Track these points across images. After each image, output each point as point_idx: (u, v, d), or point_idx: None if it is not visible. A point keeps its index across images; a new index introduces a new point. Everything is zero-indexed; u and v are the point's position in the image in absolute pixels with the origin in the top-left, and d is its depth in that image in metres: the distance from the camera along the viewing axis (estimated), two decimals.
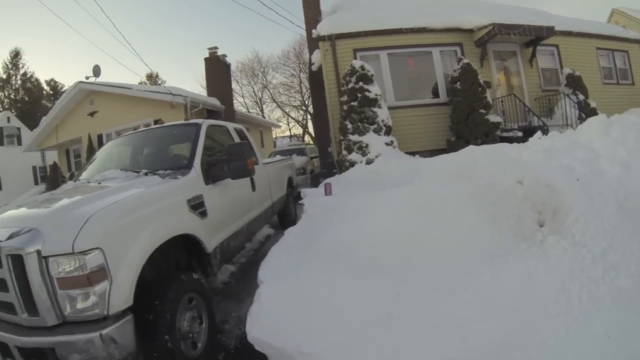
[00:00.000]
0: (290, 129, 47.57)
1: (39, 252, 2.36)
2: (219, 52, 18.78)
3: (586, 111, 10.98)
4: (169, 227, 3.17)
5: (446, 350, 2.41)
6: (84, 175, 4.84)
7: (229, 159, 4.17)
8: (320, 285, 3.22)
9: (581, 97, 11.52)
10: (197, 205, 3.73)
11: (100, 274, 2.40)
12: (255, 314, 3.07)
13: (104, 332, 2.35)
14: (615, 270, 2.90)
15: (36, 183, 29.86)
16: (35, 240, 2.40)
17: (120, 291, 2.49)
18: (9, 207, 3.45)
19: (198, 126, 4.79)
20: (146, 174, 4.07)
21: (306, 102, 38.61)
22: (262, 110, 44.22)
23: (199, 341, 3.25)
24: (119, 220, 2.69)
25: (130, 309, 2.58)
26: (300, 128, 44.93)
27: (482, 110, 9.97)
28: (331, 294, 3.07)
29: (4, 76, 46.51)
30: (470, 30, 11.81)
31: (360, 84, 9.91)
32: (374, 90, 9.95)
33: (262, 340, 2.81)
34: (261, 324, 2.94)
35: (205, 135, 4.65)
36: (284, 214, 8.01)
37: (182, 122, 5.41)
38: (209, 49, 18.69)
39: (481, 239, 3.51)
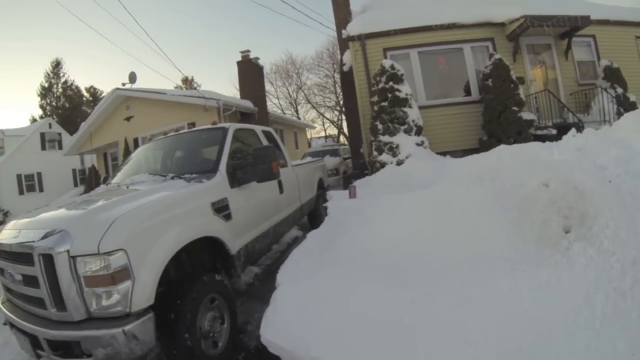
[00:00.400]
0: (325, 130, 47.65)
1: (67, 252, 2.52)
2: (252, 55, 18.90)
3: (625, 105, 10.43)
4: (192, 229, 3.27)
5: None
6: (116, 179, 5.01)
7: (254, 163, 4.22)
8: (336, 289, 3.20)
9: (620, 90, 10.93)
10: (222, 209, 3.80)
11: (124, 273, 2.54)
12: (270, 316, 3.12)
13: (126, 328, 2.49)
14: None
15: (75, 185, 31.33)
16: (64, 241, 2.55)
17: (143, 290, 2.61)
18: (49, 207, 3.66)
19: (225, 130, 4.84)
20: (172, 178, 4.16)
21: (340, 102, 38.41)
22: (296, 111, 44.33)
23: (220, 340, 3.33)
24: (142, 223, 2.81)
25: (152, 307, 2.69)
26: (335, 128, 44.84)
27: (515, 108, 9.62)
28: (345, 299, 3.05)
29: (46, 85, 49.01)
30: (502, 24, 11.42)
31: (391, 83, 9.75)
32: (404, 89, 9.79)
33: (275, 343, 2.84)
34: (275, 326, 2.97)
35: (231, 139, 4.71)
36: (314, 216, 7.97)
37: (210, 126, 5.47)
38: (242, 52, 18.84)
39: (502, 245, 3.39)
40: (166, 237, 2.92)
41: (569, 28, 11.23)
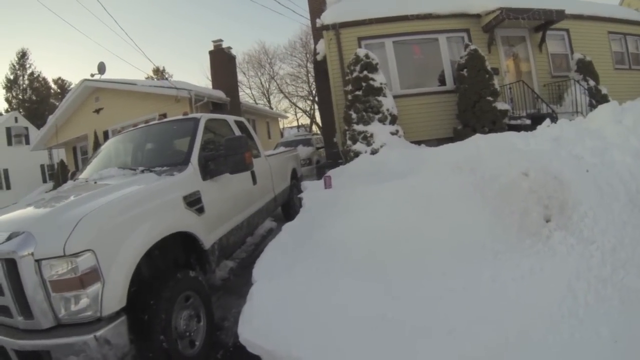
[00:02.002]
0: (297, 119, 47.44)
1: (32, 255, 2.35)
2: (225, 45, 18.59)
3: (597, 98, 10.65)
4: (164, 225, 3.11)
5: (443, 355, 2.29)
6: (84, 174, 4.79)
7: (226, 154, 4.08)
8: (314, 284, 3.12)
9: (592, 83, 11.14)
10: (194, 202, 3.65)
11: (93, 275, 2.38)
12: (247, 314, 3.00)
13: (98, 333, 2.35)
14: (625, 269, 2.76)
15: (44, 181, 30.17)
16: (28, 243, 2.39)
17: (113, 292, 2.47)
18: (15, 206, 3.50)
19: (196, 121, 4.69)
20: (142, 171, 4.02)
21: (313, 92, 38.14)
22: (269, 101, 43.89)
23: (197, 339, 3.19)
24: (110, 221, 2.66)
25: (124, 309, 2.55)
26: (307, 118, 44.68)
27: (490, 98, 9.69)
28: (324, 294, 2.97)
29: (12, 77, 46.88)
30: (478, 16, 11.46)
31: (365, 72, 9.68)
32: (378, 78, 9.74)
33: (253, 342, 2.73)
34: (253, 325, 2.86)
35: (203, 130, 4.56)
36: (288, 206, 7.87)
37: (181, 117, 5.28)
38: (214, 41, 18.49)
39: (484, 235, 3.37)
40: (136, 235, 2.77)
41: (544, 21, 11.38)
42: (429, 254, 3.25)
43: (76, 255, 2.33)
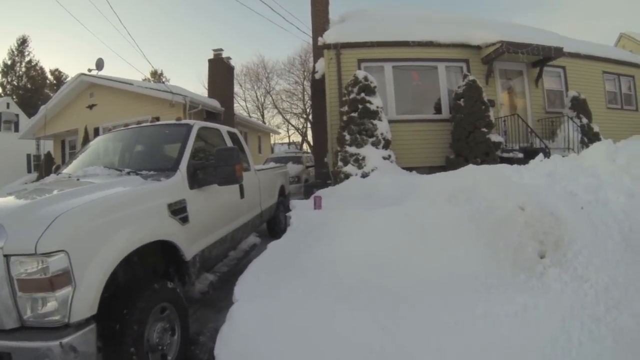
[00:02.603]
0: (289, 136, 47.41)
1: (1, 249, 2.20)
2: (224, 54, 18.62)
3: (589, 135, 10.81)
4: (145, 232, 2.97)
5: None
6: (68, 169, 4.65)
7: (216, 164, 3.98)
8: (299, 309, 3.01)
9: (585, 120, 11.34)
10: (179, 211, 3.52)
11: (64, 278, 2.23)
12: (226, 335, 2.89)
13: (64, 340, 2.19)
14: (618, 309, 2.73)
15: (29, 171, 29.33)
16: None
17: (84, 298, 2.31)
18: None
19: (189, 127, 4.59)
20: (129, 173, 3.90)
21: (307, 110, 38.31)
22: (262, 116, 43.97)
23: (170, 354, 3.04)
24: (88, 222, 2.50)
25: (94, 317, 2.39)
26: (299, 136, 44.78)
27: (484, 129, 9.77)
28: (309, 320, 2.87)
29: (9, 62, 46.19)
30: (478, 47, 11.65)
31: (362, 95, 9.72)
32: (375, 102, 9.78)
33: None
34: (231, 347, 2.75)
35: (195, 138, 4.46)
36: (274, 223, 7.76)
37: (174, 122, 5.17)
38: (214, 50, 18.50)
39: (477, 267, 3.32)
40: (115, 240, 2.62)
41: (542, 57, 11.57)
42: (421, 284, 3.18)
43: (48, 255, 2.19)
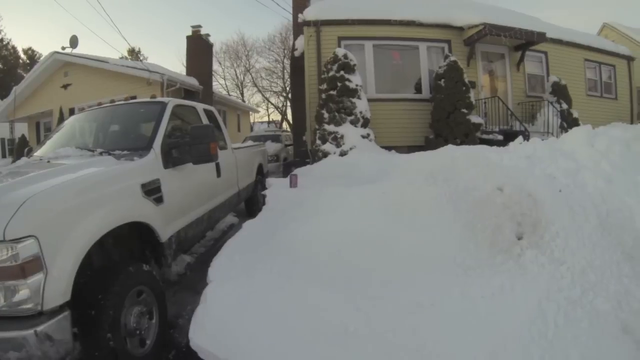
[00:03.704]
0: (269, 115, 46.90)
1: None
2: (203, 31, 18.25)
3: (568, 121, 10.92)
4: (118, 214, 2.89)
5: None
6: (40, 151, 4.51)
7: (191, 142, 3.90)
8: (273, 289, 2.95)
9: (564, 106, 11.48)
10: (153, 191, 3.43)
11: (35, 264, 2.16)
12: (200, 317, 2.81)
13: (39, 328, 2.14)
14: (594, 292, 2.74)
15: (3, 156, 28.52)
16: None
17: (57, 285, 2.25)
18: None
19: (163, 105, 4.46)
20: (101, 153, 3.76)
21: (287, 89, 37.83)
22: (242, 94, 43.24)
23: (148, 338, 2.97)
24: (58, 205, 2.43)
25: (69, 303, 2.33)
26: (279, 114, 44.28)
27: (464, 110, 9.77)
28: (284, 301, 2.81)
29: None
30: (461, 28, 11.56)
31: (342, 72, 9.60)
32: (355, 80, 9.67)
33: (205, 349, 2.54)
34: (205, 329, 2.67)
35: (170, 116, 4.35)
36: (252, 202, 7.67)
37: (147, 100, 5.09)
38: (193, 27, 18.09)
39: (455, 248, 3.28)
40: (86, 223, 2.54)
41: (525, 41, 11.60)
42: (397, 264, 3.13)
43: (17, 241, 2.11)
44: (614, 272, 2.90)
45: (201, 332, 2.66)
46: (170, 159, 3.86)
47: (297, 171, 7.56)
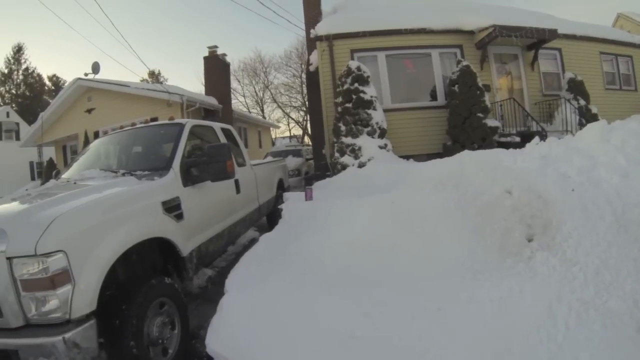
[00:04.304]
0: (290, 130, 47.34)
1: (3, 252, 2.32)
2: (220, 51, 18.62)
3: (587, 117, 10.69)
4: (140, 230, 3.06)
5: None
6: (67, 173, 4.73)
7: (208, 161, 4.06)
8: (284, 298, 3.03)
9: (582, 102, 11.24)
10: (173, 208, 3.60)
11: (63, 277, 2.35)
12: (216, 325, 2.92)
13: (67, 335, 2.30)
14: (609, 292, 2.66)
15: (32, 179, 29.60)
16: (0, 240, 2.35)
17: (84, 295, 2.42)
18: (3, 200, 3.51)
19: (181, 126, 4.65)
20: (123, 174, 3.98)
21: (306, 103, 38.24)
22: (262, 110, 43.92)
23: (170, 347, 3.13)
24: (85, 222, 2.62)
25: (95, 313, 2.50)
26: (300, 129, 44.61)
27: (480, 114, 9.69)
28: (293, 308, 2.88)
29: (6, 71, 46.06)
30: (471, 32, 11.51)
31: (356, 85, 9.67)
32: (369, 91, 9.72)
33: (220, 354, 2.64)
34: (221, 336, 2.78)
35: (188, 136, 4.53)
36: (273, 217, 7.69)
37: (166, 122, 5.24)
38: (209, 47, 18.51)
39: (463, 253, 3.28)
40: (111, 239, 2.72)
41: (537, 40, 11.44)
42: (405, 271, 3.15)
43: (47, 255, 2.29)
44: (630, 271, 2.81)
45: (216, 338, 2.76)
46: (189, 178, 4.04)
47: (317, 184, 7.67)
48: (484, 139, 9.56)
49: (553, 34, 11.14)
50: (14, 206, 2.99)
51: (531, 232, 3.29)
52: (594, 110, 11.18)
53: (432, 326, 2.52)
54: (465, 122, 9.76)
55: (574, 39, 12.88)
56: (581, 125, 9.87)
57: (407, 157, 9.81)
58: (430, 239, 3.46)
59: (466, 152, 5.70)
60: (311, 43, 12.60)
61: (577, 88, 11.44)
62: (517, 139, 9.83)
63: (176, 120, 5.07)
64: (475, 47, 11.58)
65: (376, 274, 3.16)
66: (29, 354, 2.28)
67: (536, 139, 5.52)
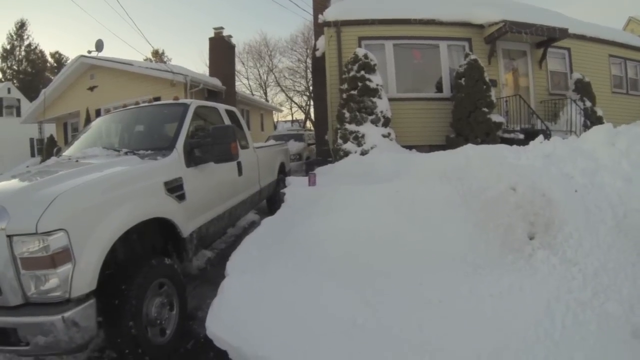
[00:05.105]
0: (292, 114, 47.16)
1: (3, 230, 2.29)
2: (226, 33, 18.48)
3: (592, 119, 10.67)
4: (141, 210, 3.05)
5: None
6: (68, 151, 4.70)
7: (212, 142, 4.04)
8: (286, 283, 3.03)
9: (588, 104, 11.21)
10: (175, 188, 3.59)
11: (64, 255, 2.33)
12: (217, 308, 2.91)
13: (66, 314, 2.30)
14: (606, 294, 2.70)
15: (33, 155, 29.35)
16: (1, 218, 2.32)
17: (84, 274, 2.42)
18: (1, 177, 3.47)
19: (185, 107, 4.62)
20: (126, 153, 3.94)
21: (310, 88, 37.96)
22: (265, 94, 43.67)
23: (168, 328, 3.15)
24: (86, 201, 2.59)
25: (94, 292, 2.50)
26: (302, 114, 44.36)
27: (485, 109, 9.68)
28: (295, 294, 2.89)
29: (8, 47, 45.66)
30: (481, 26, 11.42)
31: (362, 72, 9.62)
32: (375, 80, 9.68)
33: (220, 337, 2.63)
34: (221, 319, 2.77)
35: (192, 117, 4.50)
36: (273, 200, 7.76)
37: (171, 101, 5.20)
38: (215, 29, 18.36)
39: (465, 247, 3.30)
40: (112, 218, 2.71)
41: (547, 38, 11.36)
42: (408, 261, 3.16)
43: (48, 233, 2.27)
44: (628, 275, 2.86)
45: (217, 321, 2.75)
46: (192, 158, 4.02)
47: (319, 170, 7.67)
48: (488, 134, 9.58)
49: (564, 33, 11.06)
50: (14, 183, 2.95)
51: (533, 230, 3.31)
52: (599, 112, 11.16)
53: (433, 318, 2.55)
54: (470, 116, 9.75)
55: (583, 40, 12.78)
56: (586, 127, 9.88)
57: (409, 147, 9.82)
58: (433, 231, 3.48)
59: (470, 146, 5.70)
60: (319, 28, 12.52)
61: (584, 89, 11.40)
62: (521, 136, 9.83)
63: (181, 100, 5.05)
64: (484, 41, 11.50)
65: (379, 262, 3.17)
66: (27, 332, 2.28)
67: (540, 137, 5.52)
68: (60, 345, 2.31)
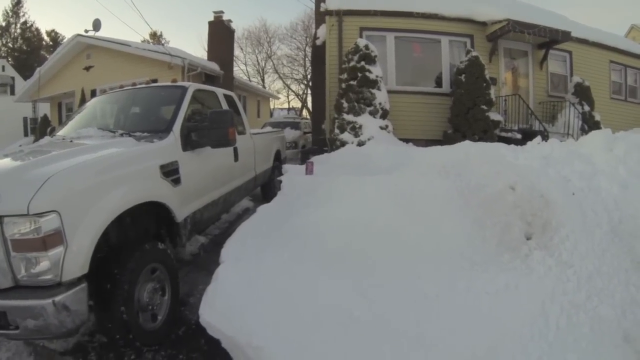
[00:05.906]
0: (289, 102, 47.10)
1: None
2: (225, 17, 18.19)
3: (589, 123, 10.76)
4: (136, 193, 3.01)
5: None
6: (62, 131, 4.64)
7: (209, 126, 3.99)
8: (282, 272, 2.99)
9: (586, 108, 11.28)
10: (171, 172, 3.54)
11: (56, 238, 2.29)
12: (211, 295, 2.87)
13: (57, 298, 2.27)
14: (599, 298, 2.73)
15: (26, 134, 28.81)
16: None
17: (76, 258, 2.38)
18: None
19: (184, 89, 4.56)
20: (122, 135, 3.90)
21: (308, 76, 37.80)
22: (263, 80, 43.44)
23: (160, 313, 3.15)
24: (80, 182, 2.54)
25: (86, 276, 2.46)
26: (299, 102, 44.26)
27: (484, 107, 9.70)
28: (291, 284, 2.85)
29: (3, 24, 44.79)
30: (484, 24, 11.39)
31: (362, 63, 9.60)
32: (375, 71, 9.66)
33: (214, 326, 2.61)
34: (215, 307, 2.73)
35: (190, 100, 4.45)
36: (268, 188, 7.76)
37: (169, 84, 5.16)
38: (215, 12, 18.09)
39: (463, 243, 3.30)
40: (106, 201, 2.66)
41: (549, 40, 11.39)
42: (405, 254, 3.15)
43: (40, 215, 2.23)
44: (621, 280, 2.89)
45: (211, 309, 2.72)
46: (189, 142, 3.97)
47: (315, 159, 7.63)
48: (485, 131, 9.62)
49: (566, 36, 11.11)
50: (6, 163, 2.89)
51: (530, 231, 3.33)
52: (597, 117, 11.25)
53: (430, 312, 2.55)
54: (468, 113, 9.78)
55: (586, 44, 12.86)
56: (583, 131, 9.97)
57: (406, 141, 9.84)
58: (431, 225, 3.47)
59: (468, 142, 5.72)
60: (320, 17, 12.46)
61: (583, 93, 11.48)
62: (519, 136, 9.89)
63: (179, 83, 5.00)
64: (486, 38, 11.51)
65: (377, 254, 3.15)
66: (17, 316, 2.24)
67: (538, 138, 5.55)
68: (50, 330, 2.28)
